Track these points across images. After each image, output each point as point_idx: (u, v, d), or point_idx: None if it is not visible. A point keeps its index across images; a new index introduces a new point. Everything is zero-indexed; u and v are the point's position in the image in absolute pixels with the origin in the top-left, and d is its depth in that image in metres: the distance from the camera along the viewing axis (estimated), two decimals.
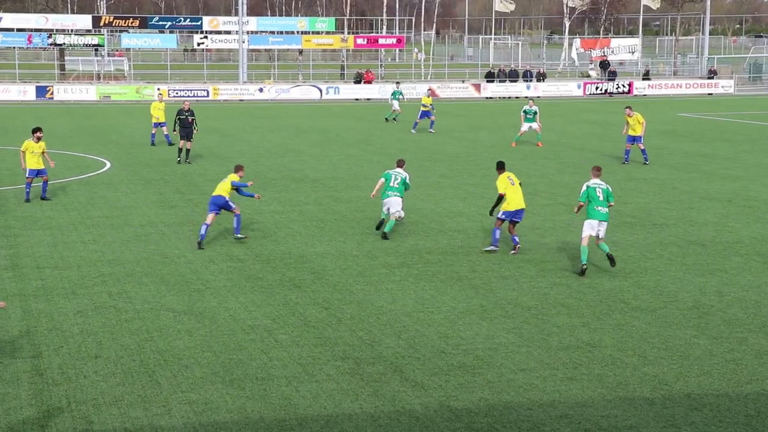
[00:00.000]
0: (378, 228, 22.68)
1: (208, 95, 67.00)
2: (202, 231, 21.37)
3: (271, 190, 29.01)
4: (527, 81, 74.15)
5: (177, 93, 66.66)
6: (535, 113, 41.65)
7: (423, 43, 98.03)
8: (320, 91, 70.22)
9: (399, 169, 22.91)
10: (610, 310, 16.71)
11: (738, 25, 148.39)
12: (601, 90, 74.02)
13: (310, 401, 12.64)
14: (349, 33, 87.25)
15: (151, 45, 79.53)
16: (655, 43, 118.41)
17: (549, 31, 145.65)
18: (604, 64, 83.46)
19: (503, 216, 20.74)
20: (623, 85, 74.60)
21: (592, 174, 19.54)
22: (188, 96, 64.81)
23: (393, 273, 19.24)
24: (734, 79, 78.07)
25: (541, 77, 76.12)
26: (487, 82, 74.60)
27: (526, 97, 44.04)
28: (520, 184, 20.96)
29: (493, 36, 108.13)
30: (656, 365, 13.92)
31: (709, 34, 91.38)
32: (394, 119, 52.25)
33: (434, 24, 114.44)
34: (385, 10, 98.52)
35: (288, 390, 13.01)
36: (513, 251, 20.80)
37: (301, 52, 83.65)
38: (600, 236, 19.09)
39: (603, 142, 42.70)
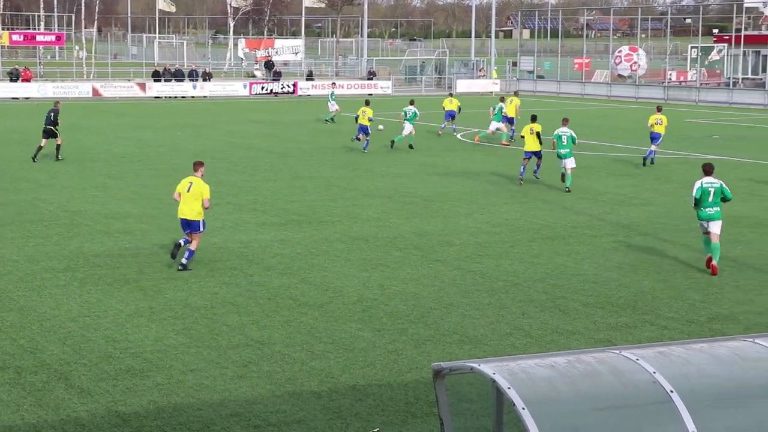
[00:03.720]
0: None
1: None
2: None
3: None
4: (193, 80, 73.83)
5: None
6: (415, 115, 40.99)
7: (84, 41, 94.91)
8: None
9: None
10: (279, 307, 16.97)
11: (394, 29, 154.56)
12: (266, 90, 74.89)
13: None
14: (3, 29, 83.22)
15: None
16: (317, 44, 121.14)
17: (214, 31, 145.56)
18: (269, 65, 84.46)
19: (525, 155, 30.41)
20: (288, 86, 75.83)
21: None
22: None
23: (57, 277, 18.61)
24: (392, 80, 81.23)
25: (207, 77, 75.99)
26: (154, 81, 73.60)
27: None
28: (537, 133, 30.14)
29: (157, 35, 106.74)
30: (323, 359, 14.29)
31: (368, 37, 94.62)
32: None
33: (95, 22, 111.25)
34: (42, 6, 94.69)
35: None
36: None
37: None
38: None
39: (270, 141, 43.27)
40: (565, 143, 28.86)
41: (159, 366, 13.86)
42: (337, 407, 12.51)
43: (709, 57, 78.76)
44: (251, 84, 75.70)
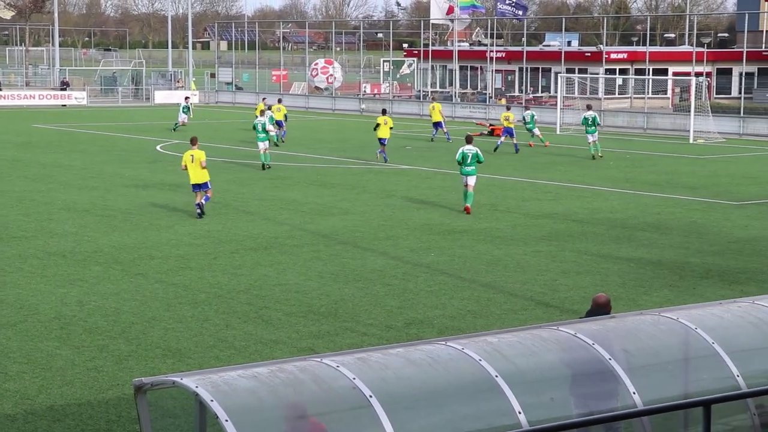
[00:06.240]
0: None
1: None
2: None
3: None
4: None
5: None
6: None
7: None
8: None
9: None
10: None
11: (87, 38, 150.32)
12: None
13: None
14: None
15: None
16: (5, 53, 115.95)
17: None
18: None
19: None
20: None
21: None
22: None
23: None
24: (87, 91, 79.00)
25: None
26: None
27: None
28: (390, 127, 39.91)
29: None
30: (18, 380, 13.73)
31: (60, 46, 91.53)
32: None
33: None
34: None
35: None
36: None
37: None
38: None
39: None
40: (260, 130, 36.87)
41: None
42: (34, 429, 12.07)
43: (401, 71, 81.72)
44: None
